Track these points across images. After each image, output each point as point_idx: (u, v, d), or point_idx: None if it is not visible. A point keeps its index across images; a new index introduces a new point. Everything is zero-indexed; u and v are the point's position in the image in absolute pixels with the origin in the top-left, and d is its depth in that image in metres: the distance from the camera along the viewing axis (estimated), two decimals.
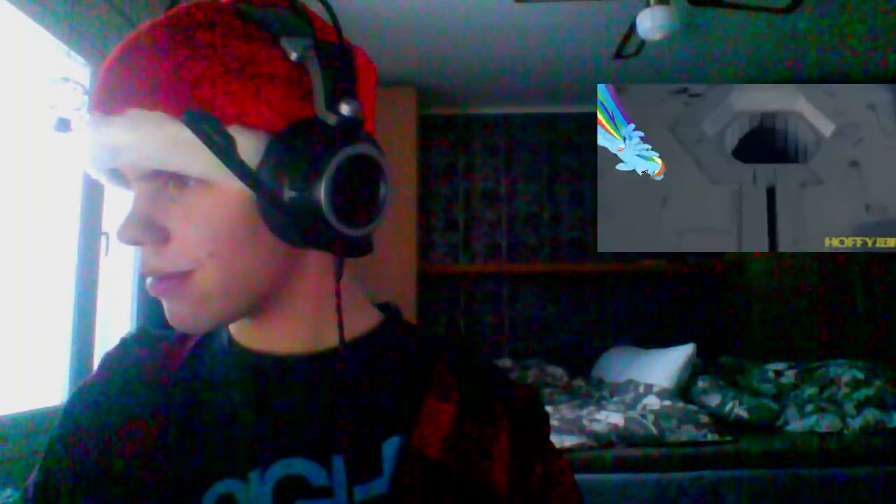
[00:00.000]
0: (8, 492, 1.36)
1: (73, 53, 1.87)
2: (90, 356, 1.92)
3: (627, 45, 2.86)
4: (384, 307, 0.61)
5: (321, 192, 0.46)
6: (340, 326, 0.50)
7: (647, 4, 2.49)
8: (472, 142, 4.17)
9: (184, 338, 0.58)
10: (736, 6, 2.53)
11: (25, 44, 1.75)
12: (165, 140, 0.45)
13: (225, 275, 0.48)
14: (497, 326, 4.04)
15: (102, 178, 0.52)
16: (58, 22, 1.78)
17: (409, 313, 3.51)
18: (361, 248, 0.52)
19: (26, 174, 1.72)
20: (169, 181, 0.48)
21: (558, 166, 4.16)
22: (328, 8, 0.51)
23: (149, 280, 0.50)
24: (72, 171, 1.88)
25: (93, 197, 1.94)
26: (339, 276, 0.51)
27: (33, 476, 0.55)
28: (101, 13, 1.99)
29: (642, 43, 2.80)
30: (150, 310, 2.20)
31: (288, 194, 0.46)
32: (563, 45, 3.24)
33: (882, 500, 2.31)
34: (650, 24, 2.47)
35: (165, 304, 0.50)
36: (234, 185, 0.46)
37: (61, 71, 1.79)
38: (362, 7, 2.80)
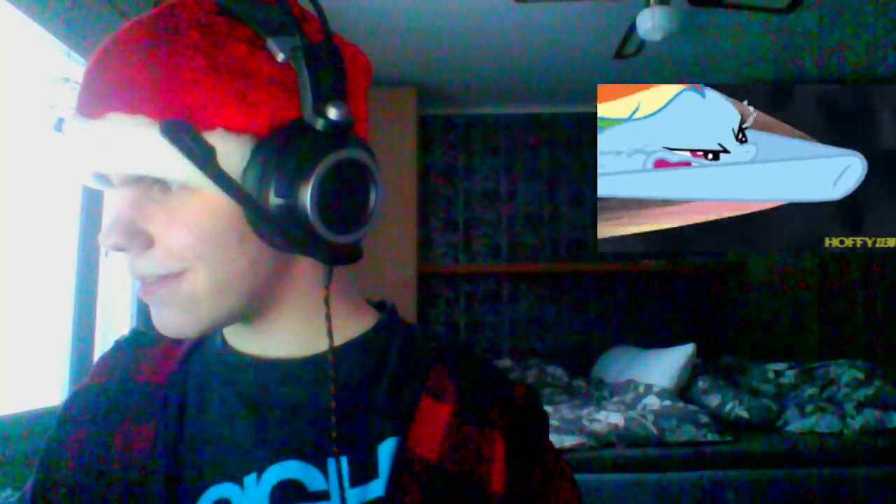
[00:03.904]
0: (7, 492, 1.36)
1: (73, 53, 1.87)
2: (90, 356, 1.91)
3: (627, 45, 2.86)
4: (380, 306, 0.60)
5: (307, 198, 0.45)
6: (330, 335, 0.50)
7: (647, 4, 2.49)
8: (472, 142, 4.17)
9: (179, 340, 0.58)
10: (736, 6, 2.52)
11: (25, 44, 1.75)
12: (147, 145, 0.43)
13: (214, 277, 0.47)
14: (497, 326, 4.03)
15: (89, 182, 0.51)
16: (58, 22, 1.77)
17: (409, 313, 3.51)
18: (350, 255, 0.51)
19: (26, 174, 1.72)
20: (153, 185, 0.47)
21: (558, 166, 4.15)
22: (316, 5, 0.50)
23: (139, 285, 0.49)
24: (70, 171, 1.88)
25: (93, 197, 1.93)
26: (327, 283, 0.50)
27: (31, 479, 0.55)
28: (101, 13, 1.99)
29: (642, 43, 2.80)
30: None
31: (273, 201, 0.45)
32: (563, 45, 3.23)
33: (882, 500, 2.31)
34: (650, 24, 2.46)
35: (154, 311, 0.49)
36: (218, 191, 0.44)
37: (61, 71, 1.79)
38: (362, 7, 2.79)
